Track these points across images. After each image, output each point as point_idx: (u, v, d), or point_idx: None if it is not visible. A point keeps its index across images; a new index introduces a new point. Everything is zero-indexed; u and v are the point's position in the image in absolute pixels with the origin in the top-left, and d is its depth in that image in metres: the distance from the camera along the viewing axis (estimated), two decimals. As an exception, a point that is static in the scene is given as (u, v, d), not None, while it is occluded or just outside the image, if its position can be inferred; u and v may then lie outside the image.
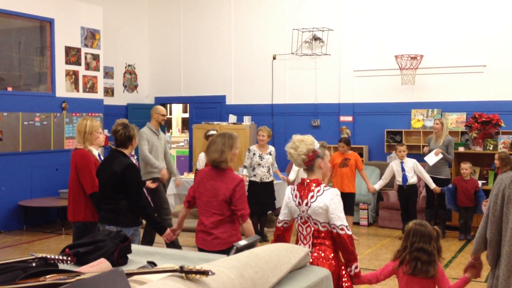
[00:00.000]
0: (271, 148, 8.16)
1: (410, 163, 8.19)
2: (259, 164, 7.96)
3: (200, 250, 4.17)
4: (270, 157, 8.05)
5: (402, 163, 8.21)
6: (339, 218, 3.53)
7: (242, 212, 4.18)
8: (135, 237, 4.52)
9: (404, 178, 8.18)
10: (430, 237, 3.68)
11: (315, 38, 10.79)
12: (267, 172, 8.02)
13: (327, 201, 3.55)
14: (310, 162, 3.70)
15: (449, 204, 8.34)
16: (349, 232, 3.55)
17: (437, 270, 3.65)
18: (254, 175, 7.99)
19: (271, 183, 8.11)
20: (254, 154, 8.00)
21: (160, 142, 7.25)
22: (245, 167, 8.09)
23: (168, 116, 14.67)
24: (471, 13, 9.61)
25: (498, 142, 8.83)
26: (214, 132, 8.02)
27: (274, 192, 8.18)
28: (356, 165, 8.19)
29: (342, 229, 3.52)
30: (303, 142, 3.68)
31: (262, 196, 7.93)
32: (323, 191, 3.61)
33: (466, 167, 8.22)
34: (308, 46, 10.90)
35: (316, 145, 3.74)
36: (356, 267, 3.63)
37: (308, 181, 3.70)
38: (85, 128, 5.12)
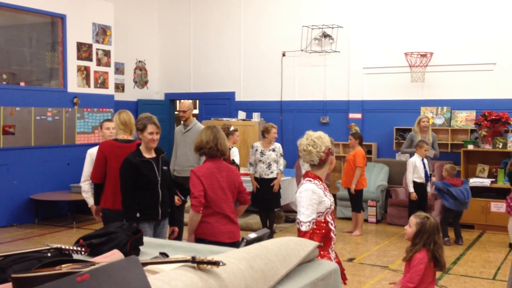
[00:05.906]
0: (276, 145, 7.91)
1: (427, 162, 8.15)
2: (260, 161, 7.83)
3: (223, 244, 3.89)
4: (273, 153, 7.82)
5: (423, 160, 8.08)
6: (299, 212, 3.42)
7: (247, 192, 4.53)
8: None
9: (426, 175, 8.09)
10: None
11: (325, 35, 10.80)
12: (267, 168, 7.81)
13: (297, 193, 3.50)
14: (325, 159, 3.56)
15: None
16: (304, 228, 3.36)
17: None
18: (255, 172, 7.89)
19: (271, 180, 7.83)
20: (256, 150, 7.88)
21: (184, 139, 7.05)
22: (250, 164, 7.94)
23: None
24: (481, 11, 9.59)
25: (507, 140, 8.82)
26: (232, 127, 7.74)
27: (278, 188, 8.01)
28: (354, 161, 8.16)
29: (298, 223, 3.42)
30: (321, 139, 3.53)
31: (262, 192, 7.78)
32: (303, 184, 3.53)
33: (447, 168, 8.07)
34: (318, 43, 10.91)
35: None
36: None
37: (303, 175, 3.67)
38: (130, 120, 5.17)
